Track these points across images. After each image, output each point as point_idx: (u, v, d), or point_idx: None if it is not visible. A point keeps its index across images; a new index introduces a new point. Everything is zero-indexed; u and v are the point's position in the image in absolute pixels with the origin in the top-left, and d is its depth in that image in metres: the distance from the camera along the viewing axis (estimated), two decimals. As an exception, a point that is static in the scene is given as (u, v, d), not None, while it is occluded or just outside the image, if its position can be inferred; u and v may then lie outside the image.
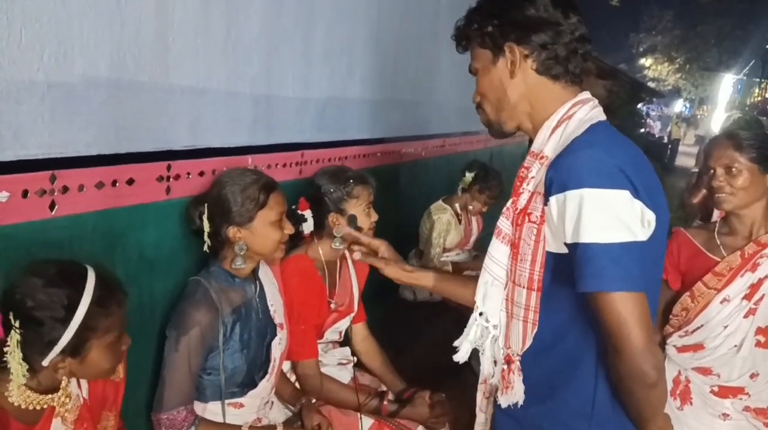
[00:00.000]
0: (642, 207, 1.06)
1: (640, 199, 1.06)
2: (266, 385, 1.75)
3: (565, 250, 1.09)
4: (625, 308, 1.02)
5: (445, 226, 3.45)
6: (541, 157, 1.17)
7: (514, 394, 1.22)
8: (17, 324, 1.13)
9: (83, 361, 1.22)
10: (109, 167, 1.57)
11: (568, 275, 1.08)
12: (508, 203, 1.23)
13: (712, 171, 1.84)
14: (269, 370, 1.75)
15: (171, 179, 1.78)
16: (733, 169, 1.78)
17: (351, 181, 1.97)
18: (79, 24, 1.44)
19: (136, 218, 1.69)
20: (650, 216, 1.08)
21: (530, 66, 1.20)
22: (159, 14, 1.66)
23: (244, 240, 1.66)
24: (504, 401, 1.25)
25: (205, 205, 1.67)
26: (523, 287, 1.17)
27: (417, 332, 3.18)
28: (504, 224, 1.22)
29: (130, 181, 1.64)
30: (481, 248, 3.78)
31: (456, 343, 1.31)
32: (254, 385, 1.71)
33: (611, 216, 1.03)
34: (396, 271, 1.54)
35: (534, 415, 1.23)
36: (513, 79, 1.22)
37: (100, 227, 1.59)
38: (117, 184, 1.60)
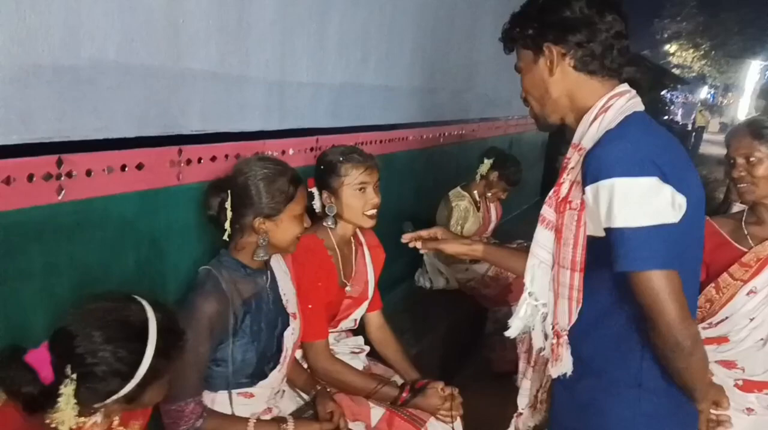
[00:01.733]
0: (672, 191, 1.13)
1: (669, 183, 1.13)
2: (277, 376, 1.72)
3: (603, 233, 1.18)
4: (658, 285, 1.11)
5: (463, 213, 3.41)
6: (580, 149, 1.26)
7: (563, 365, 1.33)
8: (74, 375, 1.08)
9: (134, 401, 1.18)
10: (117, 152, 1.56)
11: (608, 258, 1.17)
12: (551, 193, 1.32)
13: (731, 161, 1.77)
14: (281, 360, 1.72)
15: (182, 164, 1.76)
16: (753, 159, 1.72)
17: (341, 158, 1.91)
18: (88, 7, 1.41)
19: (146, 204, 1.67)
20: (681, 199, 1.15)
21: (568, 63, 1.29)
22: (169, -2, 1.63)
23: (267, 232, 1.63)
24: (555, 372, 1.36)
25: (229, 192, 1.61)
26: (567, 269, 1.27)
27: (433, 321, 3.16)
28: (547, 211, 1.32)
29: (140, 166, 1.62)
30: (500, 236, 3.73)
31: (509, 321, 1.41)
32: (265, 376, 1.68)
33: (640, 202, 1.12)
34: (455, 246, 1.72)
35: (587, 387, 1.34)
36: (552, 76, 1.31)
37: (110, 212, 1.58)
38: (126, 169, 1.59)
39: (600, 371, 1.32)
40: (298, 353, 1.99)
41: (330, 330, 2.03)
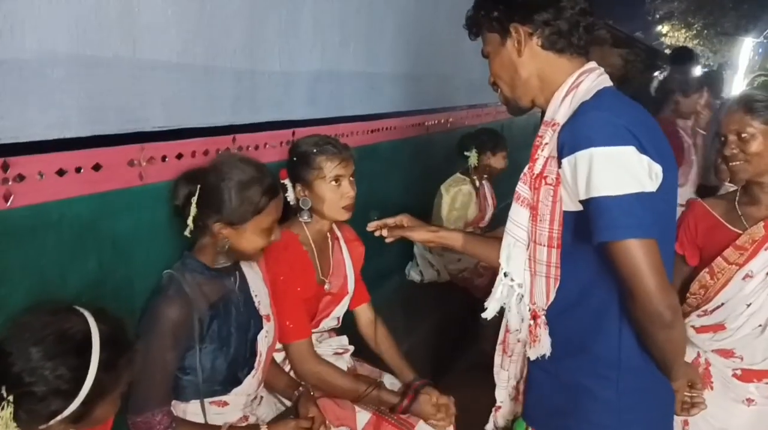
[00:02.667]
0: (648, 161, 1.14)
1: (646, 153, 1.14)
2: (252, 381, 1.64)
3: (580, 207, 1.18)
4: (638, 254, 1.10)
5: (467, 197, 3.35)
6: (554, 125, 1.26)
7: (542, 346, 1.32)
8: (11, 398, 1.00)
9: (82, 420, 1.10)
10: (71, 152, 1.46)
11: (587, 232, 1.16)
12: (525, 169, 1.31)
13: (723, 139, 1.69)
14: (255, 365, 1.64)
15: (144, 163, 1.66)
16: (745, 135, 1.64)
17: (314, 150, 1.82)
18: (28, -6, 1.32)
19: (106, 206, 1.58)
20: (657, 169, 1.16)
21: (536, 43, 1.29)
22: (122, -16, 1.53)
23: (228, 238, 1.54)
24: (532, 354, 1.35)
25: (198, 186, 1.52)
26: (544, 246, 1.27)
27: (424, 314, 3.08)
28: (522, 188, 1.31)
29: (97, 167, 1.53)
30: (495, 226, 3.66)
31: (486, 303, 1.39)
32: (239, 382, 1.60)
33: (620, 170, 1.12)
34: (423, 234, 1.67)
35: (567, 368, 1.33)
36: (521, 57, 1.30)
37: (67, 216, 1.48)
38: (82, 170, 1.49)
39: (579, 349, 1.30)
40: (279, 356, 1.91)
41: (312, 330, 1.94)
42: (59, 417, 1.04)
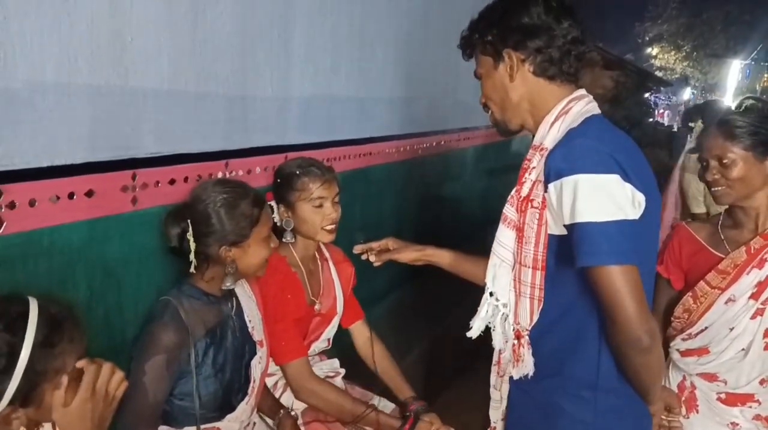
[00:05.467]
0: (632, 189, 1.17)
1: (630, 182, 1.16)
2: (246, 407, 1.64)
3: (565, 231, 1.20)
4: (619, 280, 1.12)
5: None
6: (542, 149, 1.28)
7: (525, 366, 1.34)
8: None
9: (40, 407, 1.09)
10: (63, 179, 1.48)
11: (570, 255, 1.18)
12: (513, 192, 1.33)
13: (705, 164, 1.71)
14: (249, 391, 1.64)
15: (137, 189, 1.68)
16: (726, 160, 1.65)
17: (297, 172, 1.84)
18: (20, 24, 1.34)
19: (98, 232, 1.59)
20: (640, 197, 1.18)
21: (528, 69, 1.32)
22: (114, 12, 1.56)
23: (234, 259, 1.55)
24: (516, 373, 1.37)
25: (189, 222, 1.52)
26: (529, 267, 1.29)
27: (419, 333, 3.09)
28: (509, 210, 1.33)
29: (90, 193, 1.54)
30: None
31: (470, 322, 1.41)
32: (232, 408, 1.60)
33: (604, 197, 1.14)
34: (409, 253, 1.71)
35: (545, 388, 1.34)
36: (513, 82, 1.33)
37: (58, 243, 1.49)
38: (74, 196, 1.51)
39: (557, 370, 1.32)
40: (271, 380, 1.91)
41: (305, 352, 1.94)
42: (3, 399, 1.04)
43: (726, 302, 1.65)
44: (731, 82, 25.65)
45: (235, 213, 1.54)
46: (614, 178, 1.15)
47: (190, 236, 1.52)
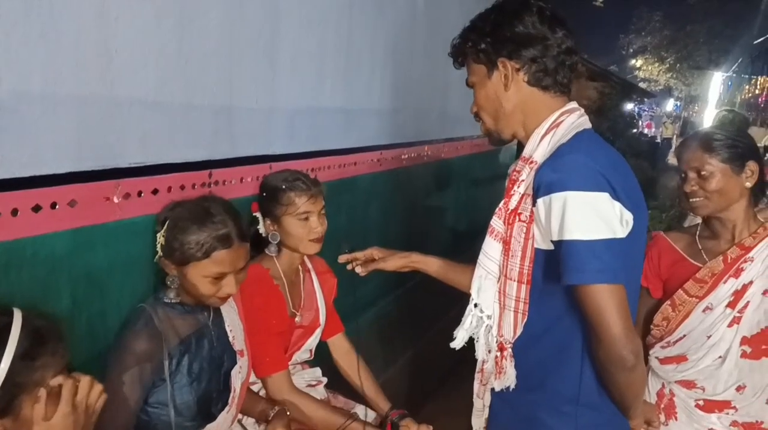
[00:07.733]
0: (621, 208, 1.17)
1: (618, 200, 1.17)
2: (226, 417, 1.64)
3: (552, 247, 1.20)
4: (604, 298, 1.13)
5: None
6: (531, 162, 1.28)
7: (507, 378, 1.35)
8: None
9: (17, 419, 1.09)
10: (46, 188, 1.48)
11: (557, 271, 1.18)
12: (500, 204, 1.33)
13: (683, 175, 1.74)
14: (229, 401, 1.64)
15: (120, 199, 1.68)
16: (704, 173, 1.69)
17: (283, 186, 1.85)
18: (6, 34, 1.34)
19: (81, 241, 1.58)
20: (628, 216, 1.19)
21: (522, 78, 1.31)
22: (100, 24, 1.56)
23: (176, 275, 1.56)
24: (497, 385, 1.37)
25: (166, 224, 1.55)
26: (514, 281, 1.29)
27: (402, 344, 3.10)
28: (497, 223, 1.33)
29: (72, 203, 1.55)
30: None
31: (455, 332, 1.42)
32: (212, 418, 1.60)
33: (592, 215, 1.14)
34: (395, 261, 1.71)
35: (527, 401, 1.35)
36: (507, 91, 1.32)
37: (41, 252, 1.49)
38: (57, 206, 1.51)
39: (539, 384, 1.33)
40: (255, 388, 1.91)
41: (286, 363, 1.95)
42: None
43: (704, 311, 1.68)
44: (713, 94, 26.02)
45: (187, 237, 1.51)
46: (604, 197, 1.15)
47: (160, 235, 1.55)
